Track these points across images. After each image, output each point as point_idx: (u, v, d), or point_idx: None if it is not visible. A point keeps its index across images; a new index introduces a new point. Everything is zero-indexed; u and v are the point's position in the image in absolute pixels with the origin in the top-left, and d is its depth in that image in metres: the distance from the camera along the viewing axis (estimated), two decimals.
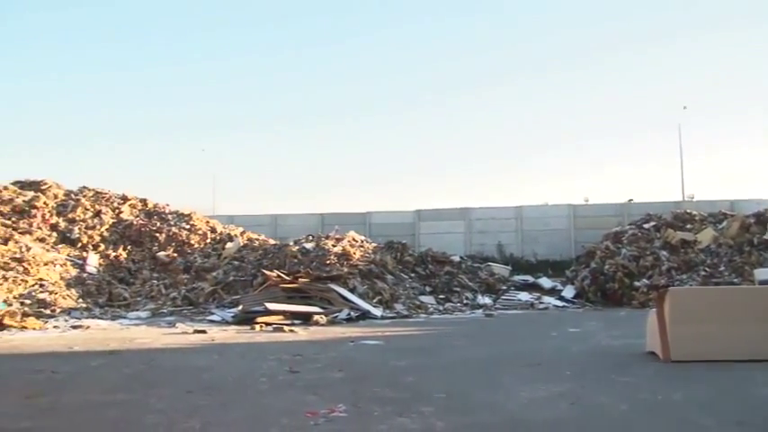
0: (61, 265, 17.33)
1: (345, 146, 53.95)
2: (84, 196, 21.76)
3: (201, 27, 56.35)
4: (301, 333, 11.88)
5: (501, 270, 21.47)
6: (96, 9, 54.08)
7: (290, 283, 15.02)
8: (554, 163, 50.34)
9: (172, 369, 8.02)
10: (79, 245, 19.15)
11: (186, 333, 11.92)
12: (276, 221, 29.14)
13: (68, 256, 18.27)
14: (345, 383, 6.79)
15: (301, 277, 15.37)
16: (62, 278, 16.60)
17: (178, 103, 55.28)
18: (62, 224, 19.89)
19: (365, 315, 14.52)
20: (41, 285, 15.68)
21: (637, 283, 17.95)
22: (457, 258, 20.96)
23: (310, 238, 20.21)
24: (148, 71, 53.57)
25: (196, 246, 20.25)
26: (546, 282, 20.75)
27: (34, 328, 12.63)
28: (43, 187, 21.68)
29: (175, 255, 19.50)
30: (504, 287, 19.82)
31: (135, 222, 20.83)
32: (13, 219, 19.29)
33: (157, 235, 20.29)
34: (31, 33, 54.06)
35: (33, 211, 19.83)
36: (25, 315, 13.33)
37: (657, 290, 11.11)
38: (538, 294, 19.10)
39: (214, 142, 52.53)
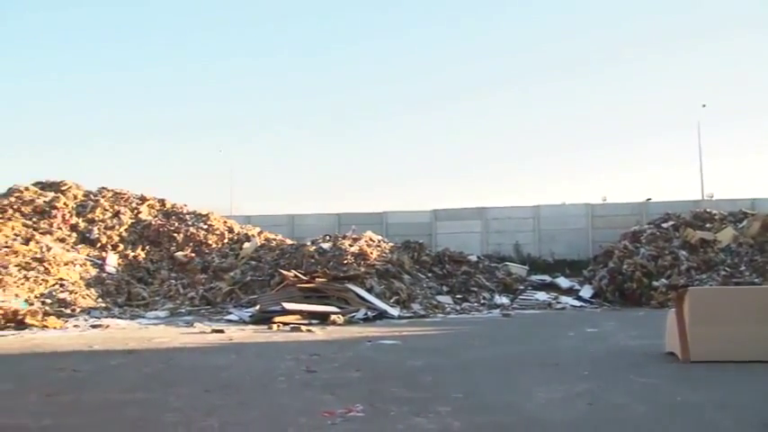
0: (81, 265, 17.50)
1: (362, 146, 54.13)
2: (104, 197, 21.96)
3: (220, 26, 56.71)
4: (318, 333, 11.90)
5: (518, 270, 21.40)
6: (116, 8, 54.54)
7: (307, 282, 15.05)
8: (572, 163, 50.18)
9: (190, 368, 8.07)
10: (98, 245, 19.34)
11: (204, 332, 11.99)
12: (293, 221, 29.21)
13: (88, 256, 18.45)
14: (362, 383, 6.79)
15: (318, 277, 15.40)
16: (82, 278, 16.78)
17: (196, 104, 55.70)
18: (82, 224, 20.09)
19: (382, 315, 14.52)
20: (62, 285, 15.86)
21: (655, 283, 17.81)
22: (474, 258, 20.92)
23: (327, 237, 20.24)
24: (165, 71, 54.05)
25: (214, 246, 20.37)
26: (563, 281, 20.66)
27: (55, 327, 12.78)
28: (63, 188, 21.92)
29: (193, 255, 19.62)
30: (522, 287, 19.75)
31: (153, 222, 20.99)
32: (34, 219, 19.54)
33: (175, 235, 20.44)
34: (49, 31, 54.61)
35: (54, 212, 20.06)
36: (46, 314, 13.49)
37: (677, 290, 11.02)
38: (555, 294, 19.02)
39: (232, 143, 52.82)
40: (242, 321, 13.95)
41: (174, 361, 8.69)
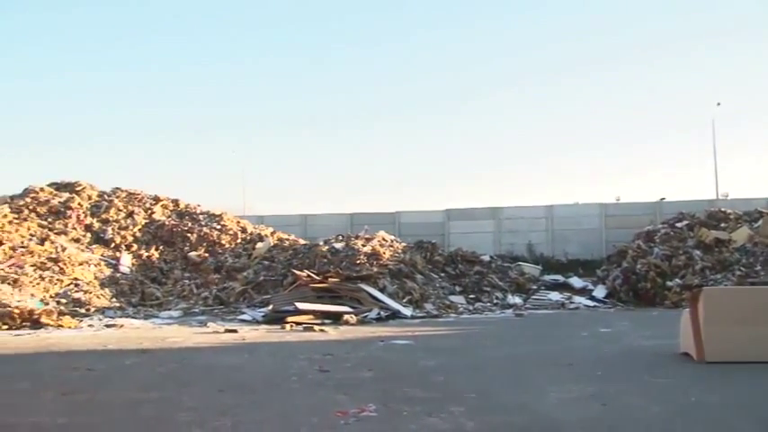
0: (95, 265, 17.62)
1: (375, 146, 54.13)
2: (118, 197, 22.09)
3: (233, 27, 56.92)
4: (331, 332, 11.92)
5: (531, 269, 21.32)
6: (130, 8, 54.87)
7: (320, 282, 15.07)
8: (585, 163, 50.00)
9: (203, 368, 8.11)
10: (112, 245, 19.45)
11: (217, 332, 12.03)
12: (306, 221, 29.26)
13: (102, 256, 18.57)
14: (375, 383, 6.80)
15: (331, 277, 15.41)
16: (96, 278, 16.89)
17: (210, 104, 55.90)
18: (96, 225, 20.22)
19: (395, 315, 14.51)
20: (76, 285, 15.98)
21: (669, 283, 17.68)
22: (487, 258, 20.86)
23: (340, 237, 20.25)
24: (178, 71, 54.30)
25: (227, 246, 20.43)
26: (577, 281, 20.55)
27: (70, 327, 12.88)
28: (78, 188, 22.07)
29: (206, 255, 19.70)
30: (535, 287, 19.68)
31: (167, 223, 21.08)
32: (50, 219, 19.69)
33: (189, 235, 20.52)
34: (63, 29, 55.00)
35: (68, 212, 20.21)
36: (61, 314, 13.59)
37: (691, 290, 10.95)
38: (568, 294, 18.92)
39: (245, 143, 53.02)
40: (255, 321, 13.99)
41: (187, 360, 8.73)
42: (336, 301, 14.51)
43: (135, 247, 19.64)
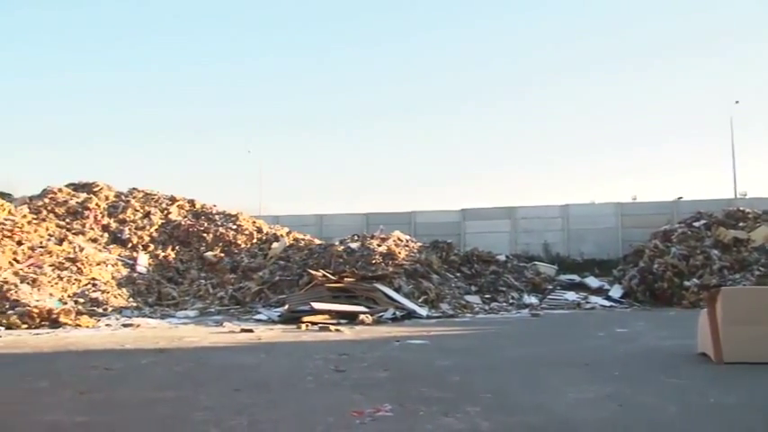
0: (113, 265, 17.75)
1: (391, 146, 54.17)
2: (134, 197, 22.26)
3: (248, 27, 57.11)
4: (347, 332, 11.93)
5: (547, 269, 21.26)
6: (145, 8, 55.22)
7: (336, 282, 15.09)
8: (601, 162, 49.71)
9: (220, 367, 8.14)
10: (129, 245, 19.60)
11: (233, 332, 12.08)
12: (321, 221, 29.33)
13: (119, 256, 18.71)
14: (391, 383, 6.79)
15: (347, 277, 15.43)
16: (113, 278, 17.02)
17: (225, 105, 56.19)
18: (113, 225, 20.39)
19: (411, 314, 14.52)
20: (94, 284, 16.11)
21: (687, 283, 17.56)
22: (502, 258, 20.82)
23: (355, 237, 20.28)
24: (195, 71, 54.64)
25: (243, 246, 20.52)
26: (593, 281, 20.47)
27: (87, 326, 12.99)
28: (95, 189, 22.28)
29: (222, 255, 19.79)
30: (551, 286, 19.62)
31: (183, 223, 21.21)
32: (68, 220, 19.89)
33: (205, 235, 20.63)
34: (77, 27, 55.42)
35: (86, 213, 20.40)
36: (79, 313, 13.72)
37: (709, 289, 10.86)
38: (585, 294, 18.86)
39: (260, 143, 53.22)
40: (271, 321, 14.04)
41: (203, 360, 8.77)
42: (352, 301, 14.54)
43: (151, 247, 19.77)
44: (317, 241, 21.86)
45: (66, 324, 12.91)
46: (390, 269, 16.97)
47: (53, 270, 16.05)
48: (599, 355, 8.79)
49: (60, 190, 21.77)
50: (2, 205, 18.85)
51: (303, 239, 21.85)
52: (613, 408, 5.55)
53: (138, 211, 21.41)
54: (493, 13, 54.44)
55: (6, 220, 17.88)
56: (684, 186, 53.92)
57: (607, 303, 17.67)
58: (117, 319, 14.08)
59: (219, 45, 56.64)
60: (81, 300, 15.10)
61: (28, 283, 14.86)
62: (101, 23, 55.12)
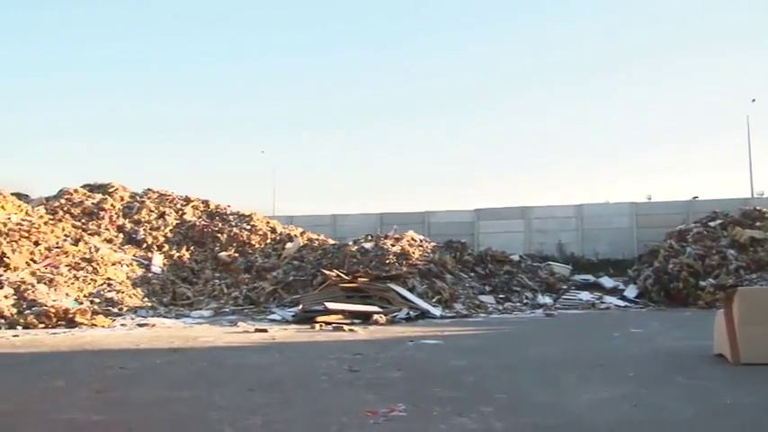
0: (128, 265, 17.87)
1: (404, 146, 54.13)
2: (149, 198, 22.40)
3: (262, 26, 57.28)
4: (361, 332, 11.94)
5: (561, 269, 21.17)
6: (158, 8, 55.51)
7: (350, 282, 15.10)
8: (615, 162, 49.44)
9: (234, 367, 8.16)
10: (144, 245, 19.72)
11: (247, 332, 12.11)
12: (335, 221, 29.36)
13: (134, 256, 18.83)
14: (405, 383, 6.79)
15: (360, 277, 15.44)
16: (128, 278, 17.13)
17: (239, 105, 56.36)
18: (128, 225, 20.53)
19: (424, 314, 14.50)
20: (109, 284, 16.22)
21: (702, 283, 17.41)
22: (516, 257, 20.76)
23: (369, 237, 20.29)
24: (208, 72, 54.86)
25: (257, 246, 20.59)
26: (607, 281, 20.35)
27: (103, 326, 13.08)
28: (110, 190, 22.46)
29: (236, 255, 19.87)
30: (565, 287, 19.54)
31: (197, 223, 21.31)
32: (83, 220, 20.07)
33: (219, 235, 20.73)
34: (91, 25, 55.79)
35: (101, 213, 20.56)
36: (95, 313, 13.83)
37: (725, 290, 10.77)
38: (599, 294, 18.76)
39: (274, 143, 53.35)
40: (285, 321, 14.07)
41: (218, 360, 8.80)
42: (366, 301, 14.54)
43: (166, 247, 19.88)
44: (331, 241, 21.90)
45: (82, 324, 13.01)
46: (404, 269, 16.96)
47: (69, 270, 16.18)
48: (614, 356, 8.74)
49: (76, 191, 21.97)
50: (19, 206, 19.04)
51: (317, 239, 21.89)
52: (628, 408, 5.51)
53: (152, 211, 21.54)
54: (504, 14, 54.26)
55: (24, 220, 18.05)
56: (700, 186, 53.76)
57: (622, 303, 17.57)
58: (132, 319, 14.16)
59: (234, 46, 56.87)
60: (97, 300, 15.20)
61: (45, 283, 15.00)
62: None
